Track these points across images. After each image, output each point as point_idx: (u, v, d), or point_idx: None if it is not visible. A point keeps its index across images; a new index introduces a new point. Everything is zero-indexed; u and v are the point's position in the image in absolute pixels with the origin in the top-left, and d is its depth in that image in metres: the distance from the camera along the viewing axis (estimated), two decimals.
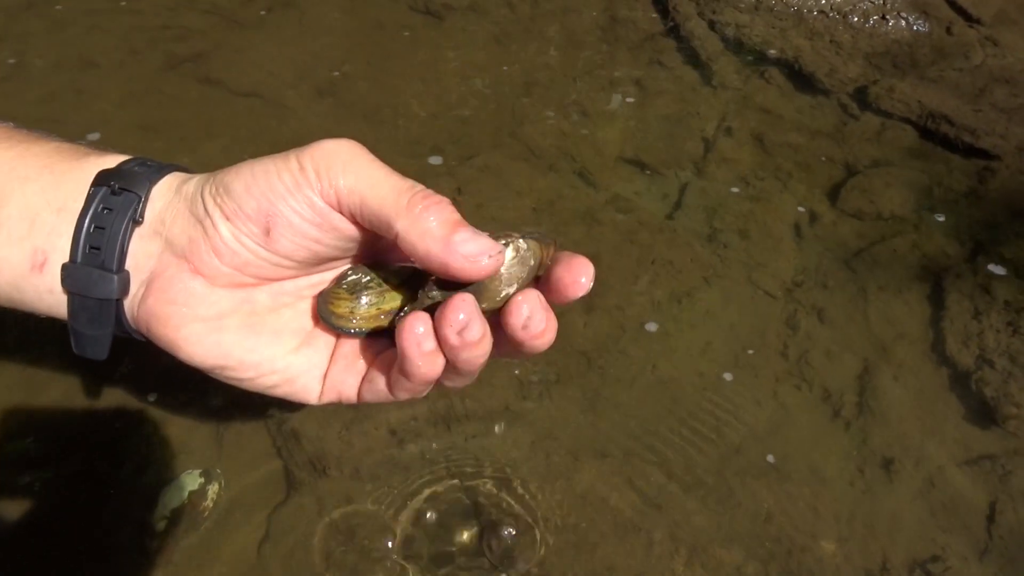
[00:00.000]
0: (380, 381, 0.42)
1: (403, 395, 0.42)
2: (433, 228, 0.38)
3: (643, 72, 1.25)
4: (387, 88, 1.19)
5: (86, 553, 0.66)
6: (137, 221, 0.41)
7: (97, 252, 0.40)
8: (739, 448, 0.77)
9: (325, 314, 0.44)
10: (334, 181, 0.39)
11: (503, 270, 0.40)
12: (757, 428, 0.79)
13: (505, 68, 1.25)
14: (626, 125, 1.15)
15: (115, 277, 0.40)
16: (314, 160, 0.40)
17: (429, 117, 1.14)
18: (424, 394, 0.43)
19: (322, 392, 0.44)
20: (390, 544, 0.68)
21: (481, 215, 0.96)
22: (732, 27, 1.31)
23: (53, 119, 1.10)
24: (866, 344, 0.86)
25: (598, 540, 0.69)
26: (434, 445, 0.74)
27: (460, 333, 0.38)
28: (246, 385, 0.43)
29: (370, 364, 0.44)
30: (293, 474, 0.72)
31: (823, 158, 1.09)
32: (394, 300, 0.44)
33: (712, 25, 1.32)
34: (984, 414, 0.80)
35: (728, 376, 0.83)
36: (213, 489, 0.71)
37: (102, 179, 0.41)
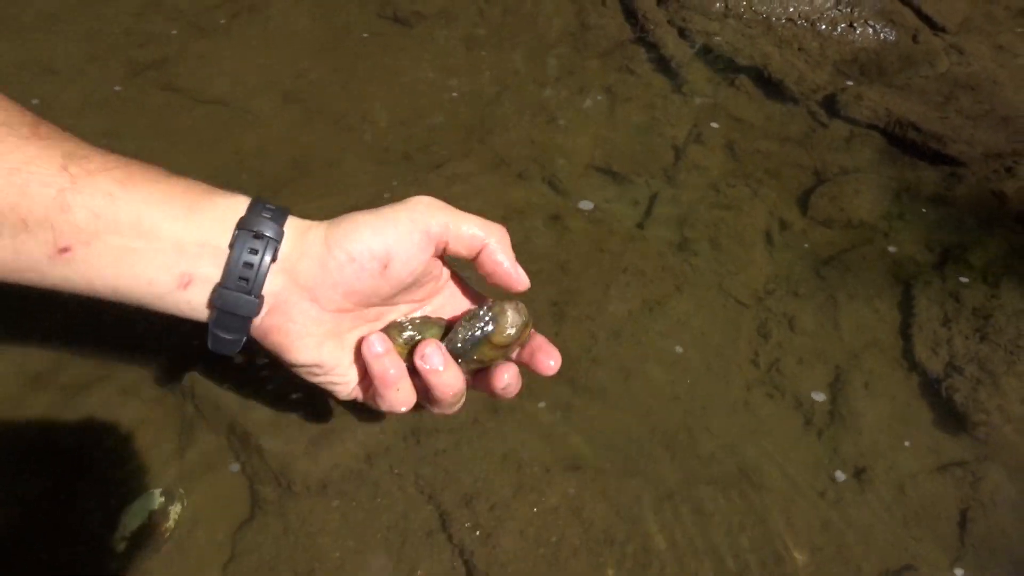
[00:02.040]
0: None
1: (383, 405, 0.58)
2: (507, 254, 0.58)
3: (613, 79, 1.25)
4: (355, 95, 1.18)
5: (44, 574, 0.64)
6: (273, 259, 0.54)
7: (245, 282, 0.53)
8: (711, 458, 0.76)
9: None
10: (437, 218, 0.56)
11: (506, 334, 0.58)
12: (729, 437, 0.78)
13: (475, 75, 1.24)
14: (596, 133, 1.14)
15: (257, 300, 0.54)
16: (418, 207, 0.56)
17: (398, 124, 1.13)
18: (399, 408, 0.58)
19: (352, 391, 0.61)
20: (359, 563, 0.66)
21: None
22: (702, 35, 1.31)
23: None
24: (837, 352, 0.86)
25: (570, 554, 0.68)
26: (403, 459, 0.73)
27: (423, 360, 0.57)
28: (318, 379, 0.59)
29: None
30: (257, 491, 0.70)
31: (793, 165, 1.09)
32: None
33: (682, 32, 1.32)
34: (954, 421, 0.80)
35: (700, 385, 0.82)
36: (175, 509, 0.69)
37: (243, 224, 0.53)
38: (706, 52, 1.29)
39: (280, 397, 0.75)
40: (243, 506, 0.70)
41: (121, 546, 0.66)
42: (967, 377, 0.82)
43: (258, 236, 0.53)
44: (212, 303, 0.54)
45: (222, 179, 1.00)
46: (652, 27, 1.33)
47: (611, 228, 0.97)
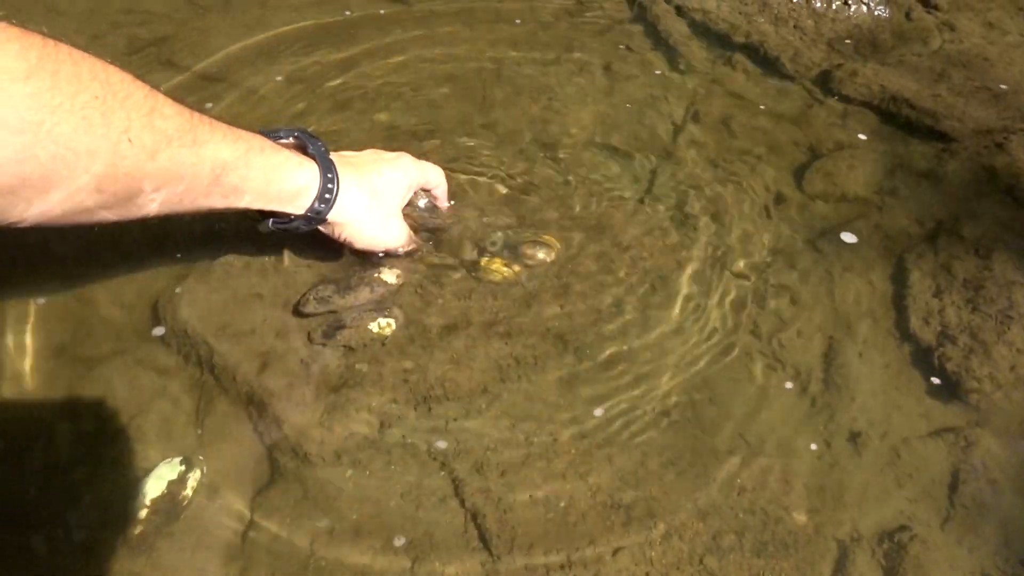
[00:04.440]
0: None
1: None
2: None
3: (611, 57, 1.26)
4: (356, 72, 1.19)
5: (67, 545, 0.66)
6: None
7: (329, 198, 0.79)
8: (712, 424, 0.79)
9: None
10: (414, 173, 0.89)
11: None
12: (729, 406, 0.81)
13: (474, 53, 1.25)
14: (596, 110, 1.16)
15: (332, 208, 0.80)
16: (403, 165, 0.89)
17: (398, 102, 1.14)
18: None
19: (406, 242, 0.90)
20: (375, 527, 0.68)
21: (455, 198, 0.97)
22: (699, 12, 1.32)
23: None
24: (832, 323, 0.89)
25: (577, 517, 0.70)
26: (415, 428, 0.75)
27: None
28: (375, 244, 0.88)
29: None
30: (275, 460, 0.72)
31: (789, 141, 1.11)
32: None
33: (679, 10, 1.33)
34: (946, 388, 0.83)
35: (701, 356, 0.84)
36: (194, 477, 0.71)
37: (320, 164, 0.79)
38: (703, 30, 1.31)
39: (295, 369, 0.77)
40: (261, 474, 0.72)
41: (142, 513, 0.67)
42: (959, 346, 0.84)
43: (331, 171, 0.80)
44: (310, 211, 0.79)
45: None
46: (649, 5, 1.34)
47: (612, 204, 0.99)
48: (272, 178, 0.75)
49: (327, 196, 0.79)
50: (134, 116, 0.62)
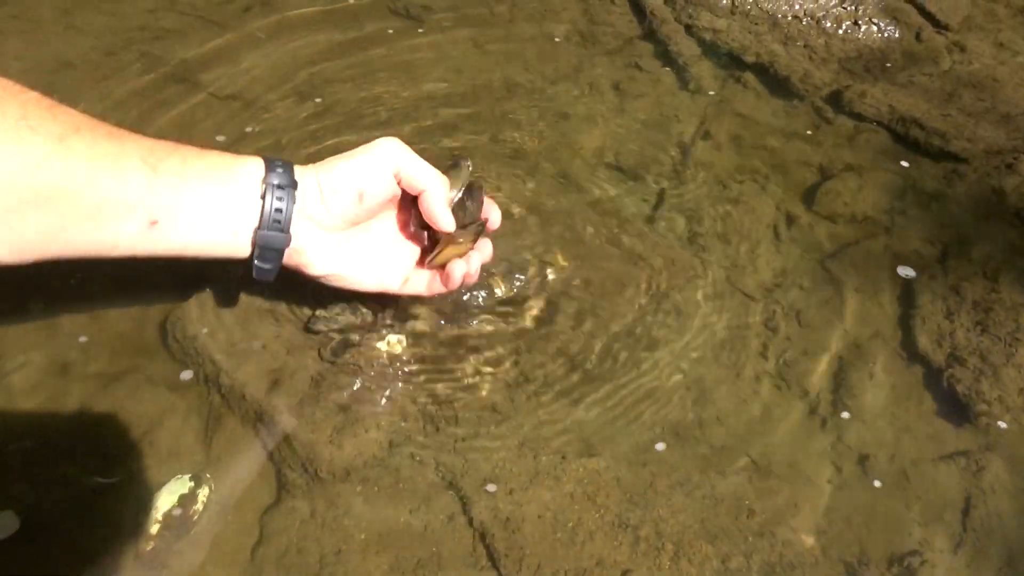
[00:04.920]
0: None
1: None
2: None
3: (621, 75, 1.27)
4: (367, 90, 1.20)
5: (79, 557, 0.66)
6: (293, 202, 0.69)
7: (279, 223, 0.68)
8: (722, 446, 0.79)
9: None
10: (398, 160, 0.73)
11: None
12: (738, 427, 0.80)
13: (484, 71, 1.26)
14: (605, 129, 1.17)
15: (286, 236, 0.69)
16: (385, 149, 0.73)
17: (410, 120, 1.15)
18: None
19: (404, 281, 0.80)
20: (384, 545, 0.69)
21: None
22: (709, 31, 1.33)
23: None
24: (842, 344, 0.89)
25: (585, 537, 0.70)
26: (424, 447, 0.75)
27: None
28: (347, 284, 0.76)
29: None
30: (285, 476, 0.72)
31: (799, 161, 1.12)
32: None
33: (689, 29, 1.34)
34: (957, 411, 0.82)
35: (710, 376, 0.84)
36: (203, 493, 0.71)
37: (268, 181, 0.68)
38: (714, 49, 1.31)
39: (306, 387, 0.78)
40: (270, 490, 0.72)
41: (154, 528, 0.68)
42: (969, 368, 0.84)
43: (281, 187, 0.68)
44: (255, 242, 0.69)
45: None
46: (659, 24, 1.35)
47: (621, 223, 1.00)
48: (190, 190, 0.65)
49: (277, 207, 0.68)
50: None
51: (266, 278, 0.72)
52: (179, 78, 1.18)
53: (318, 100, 1.17)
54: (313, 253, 0.72)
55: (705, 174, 1.09)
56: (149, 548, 0.67)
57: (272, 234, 0.68)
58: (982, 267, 0.95)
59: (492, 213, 0.79)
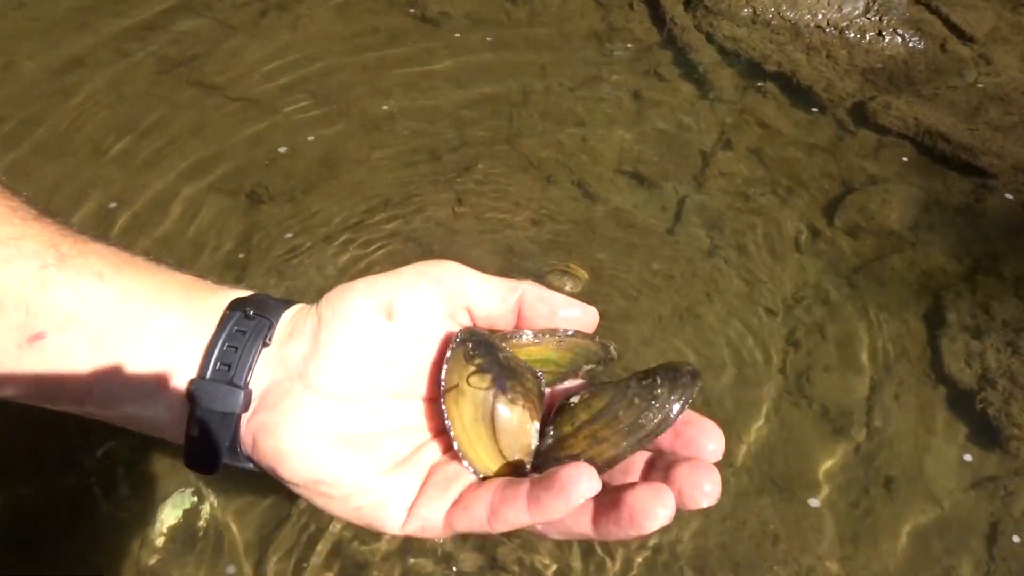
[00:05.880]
0: (480, 509, 0.40)
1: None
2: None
3: (640, 83, 1.25)
4: (383, 95, 1.18)
5: (85, 569, 0.65)
6: (266, 343, 0.43)
7: (227, 369, 0.42)
8: (742, 467, 0.76)
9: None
10: (450, 269, 0.45)
11: None
12: (759, 446, 0.78)
13: (501, 77, 1.24)
14: (624, 136, 1.14)
15: (241, 392, 0.42)
16: (427, 263, 0.45)
17: (425, 124, 1.13)
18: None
19: (406, 520, 0.42)
20: (388, 560, 0.67)
21: (482, 226, 0.95)
22: (729, 40, 1.31)
23: (39, 121, 1.07)
24: (867, 362, 0.86)
25: (604, 558, 0.68)
26: None
27: None
28: (334, 506, 0.43)
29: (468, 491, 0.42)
30: (288, 491, 0.70)
31: (821, 173, 1.09)
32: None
33: (709, 37, 1.32)
34: (986, 434, 0.80)
35: (730, 393, 0.82)
36: (206, 507, 0.69)
37: (237, 305, 0.44)
38: (734, 57, 1.29)
39: None
40: (275, 505, 0.70)
41: (160, 541, 0.66)
42: (999, 391, 0.81)
43: (248, 317, 0.43)
44: (190, 399, 0.42)
45: (253, 178, 1.01)
46: (679, 32, 1.33)
47: (640, 233, 0.97)
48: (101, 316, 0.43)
49: (232, 345, 0.43)
50: None
51: (203, 466, 0.44)
52: (194, 80, 1.17)
53: (333, 104, 1.15)
54: (292, 433, 0.42)
55: (725, 184, 1.07)
56: (153, 562, 0.65)
57: (216, 386, 0.42)
58: (1013, 285, 0.92)
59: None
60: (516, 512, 0.38)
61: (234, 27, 1.28)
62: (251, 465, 0.44)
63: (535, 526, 0.38)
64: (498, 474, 0.41)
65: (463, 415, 0.41)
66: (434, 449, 0.44)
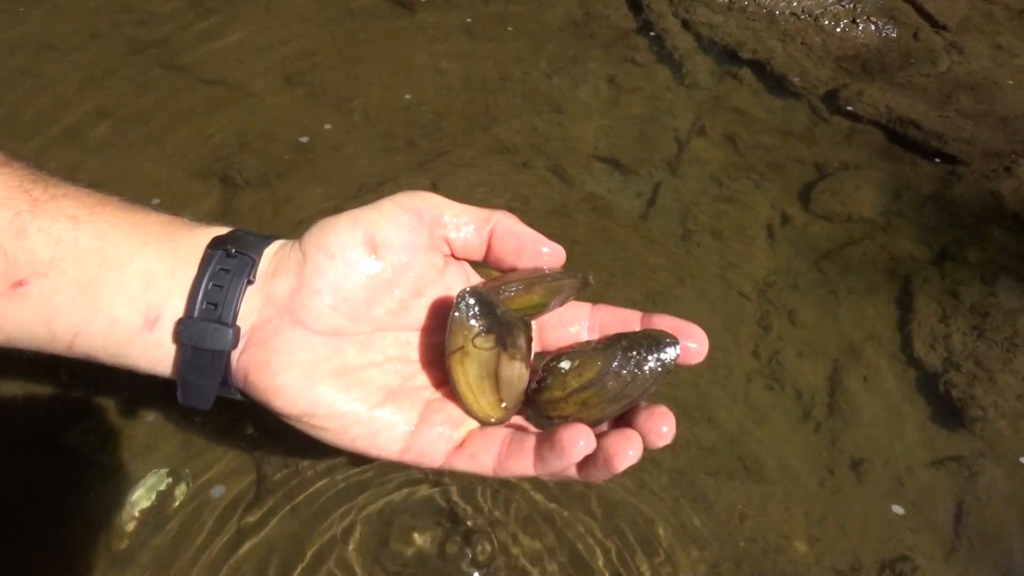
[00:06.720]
0: (486, 459, 0.44)
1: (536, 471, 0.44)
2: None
3: (616, 69, 1.25)
4: (357, 78, 1.18)
5: (52, 554, 0.64)
6: (250, 280, 0.45)
7: (214, 308, 0.44)
8: (712, 448, 0.77)
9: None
10: (428, 201, 0.47)
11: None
12: (730, 428, 0.79)
13: (477, 62, 1.24)
14: (599, 123, 1.15)
15: (230, 330, 0.44)
16: (403, 194, 0.47)
17: (401, 110, 1.13)
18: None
19: (405, 448, 0.45)
20: (364, 544, 0.67)
21: None
22: (706, 27, 1.31)
23: (12, 104, 1.06)
24: (836, 345, 0.87)
25: (575, 538, 0.68)
26: None
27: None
28: (329, 437, 0.45)
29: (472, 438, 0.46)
30: (264, 473, 0.70)
31: (794, 159, 1.10)
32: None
33: (685, 24, 1.32)
34: (951, 416, 0.81)
35: (701, 376, 0.83)
36: (180, 489, 0.69)
37: (218, 243, 0.45)
38: (709, 44, 1.30)
39: None
40: (249, 487, 0.70)
41: (130, 526, 0.66)
42: (964, 373, 0.83)
43: (230, 255, 0.44)
44: (179, 340, 0.44)
45: (225, 162, 1.00)
46: (656, 18, 1.33)
47: (615, 218, 0.98)
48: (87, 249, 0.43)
49: (217, 284, 0.44)
50: None
51: (197, 401, 0.46)
52: (165, 63, 1.16)
53: (307, 87, 1.14)
54: (283, 367, 0.44)
55: (699, 170, 1.07)
56: (124, 547, 0.65)
57: (204, 324, 0.44)
58: (979, 271, 0.94)
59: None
60: (522, 466, 0.43)
61: (206, 8, 1.26)
62: (243, 397, 0.46)
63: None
64: (498, 420, 0.46)
65: (468, 373, 0.45)
66: (423, 380, 0.48)
